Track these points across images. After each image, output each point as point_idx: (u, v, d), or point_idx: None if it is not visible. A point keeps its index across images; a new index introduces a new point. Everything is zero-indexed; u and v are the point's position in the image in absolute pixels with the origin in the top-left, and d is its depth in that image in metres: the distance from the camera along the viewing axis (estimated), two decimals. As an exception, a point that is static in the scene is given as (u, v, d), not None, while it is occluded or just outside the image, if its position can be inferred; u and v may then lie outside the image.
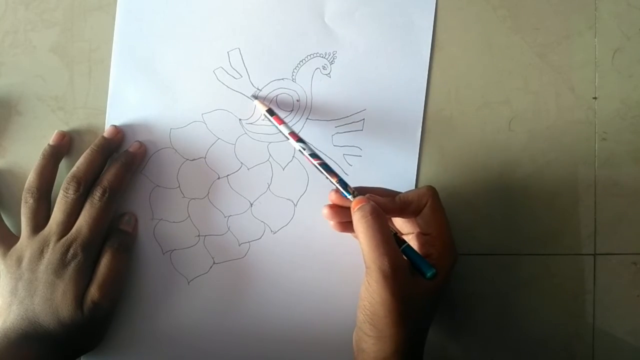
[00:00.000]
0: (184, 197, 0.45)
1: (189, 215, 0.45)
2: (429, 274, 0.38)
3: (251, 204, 0.45)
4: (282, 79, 0.45)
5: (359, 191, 0.40)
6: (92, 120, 0.45)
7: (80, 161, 0.43)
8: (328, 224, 0.42)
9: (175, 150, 0.45)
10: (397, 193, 0.41)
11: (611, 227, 0.46)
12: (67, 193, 0.42)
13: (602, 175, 0.46)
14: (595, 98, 0.46)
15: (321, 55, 0.45)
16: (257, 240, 0.45)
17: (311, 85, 0.45)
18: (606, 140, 0.46)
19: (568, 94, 0.46)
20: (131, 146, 0.44)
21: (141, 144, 0.44)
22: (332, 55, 0.45)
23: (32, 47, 0.45)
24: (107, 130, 0.44)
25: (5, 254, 0.42)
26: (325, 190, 0.42)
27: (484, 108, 0.46)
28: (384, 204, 0.39)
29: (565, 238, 0.46)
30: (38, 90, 0.45)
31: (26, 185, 0.42)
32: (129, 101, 0.45)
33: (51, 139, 0.44)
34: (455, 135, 0.46)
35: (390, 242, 0.37)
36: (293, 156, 0.45)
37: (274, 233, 0.45)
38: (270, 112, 0.43)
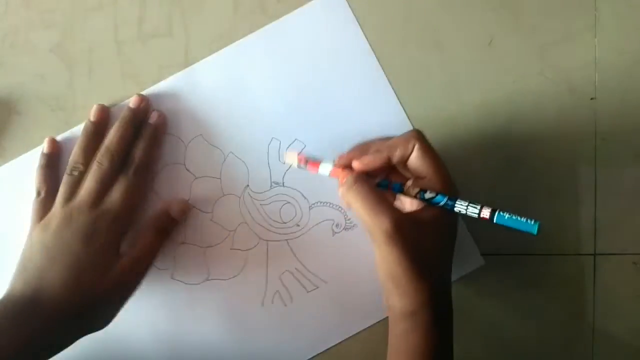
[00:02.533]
0: None
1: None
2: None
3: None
4: None
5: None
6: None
7: (112, 134, 0.43)
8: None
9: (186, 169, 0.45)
10: (387, 138, 0.41)
11: (611, 227, 0.46)
12: (101, 164, 0.42)
13: (602, 175, 0.46)
14: (594, 98, 0.46)
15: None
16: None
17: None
18: (606, 140, 0.46)
19: (568, 94, 0.46)
20: (151, 117, 0.44)
21: (160, 113, 0.44)
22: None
23: (32, 47, 0.45)
24: (132, 100, 0.44)
25: (38, 221, 0.42)
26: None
27: (483, 108, 0.46)
28: (371, 162, 0.40)
29: (565, 238, 0.46)
30: (38, 90, 0.45)
31: (73, 158, 0.43)
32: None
33: (91, 114, 0.44)
34: (455, 135, 0.46)
35: (382, 200, 0.38)
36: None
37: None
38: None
